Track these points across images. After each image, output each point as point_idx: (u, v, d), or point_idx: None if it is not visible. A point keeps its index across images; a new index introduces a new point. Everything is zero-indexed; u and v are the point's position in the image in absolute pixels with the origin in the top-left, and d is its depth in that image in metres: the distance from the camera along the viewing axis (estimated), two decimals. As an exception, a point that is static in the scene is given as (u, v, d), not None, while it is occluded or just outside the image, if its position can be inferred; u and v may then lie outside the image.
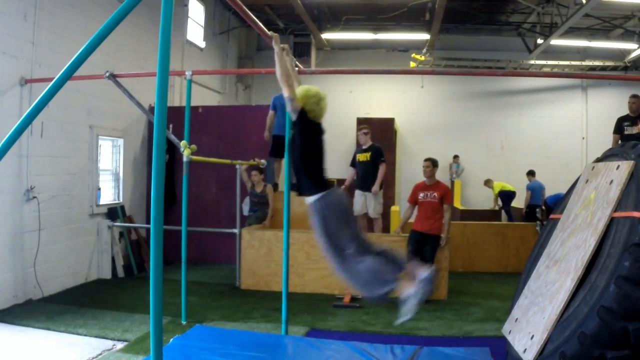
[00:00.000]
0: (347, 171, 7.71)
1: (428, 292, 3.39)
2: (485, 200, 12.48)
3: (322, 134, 3.88)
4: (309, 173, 3.68)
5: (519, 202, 11.71)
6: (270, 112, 7.81)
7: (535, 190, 10.77)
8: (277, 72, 3.75)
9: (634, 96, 6.84)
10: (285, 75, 3.71)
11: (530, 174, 11.21)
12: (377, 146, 7.33)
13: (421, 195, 6.39)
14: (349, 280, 3.57)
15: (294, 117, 3.73)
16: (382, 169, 7.15)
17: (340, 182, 7.97)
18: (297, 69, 4.64)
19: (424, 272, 3.41)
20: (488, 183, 12.34)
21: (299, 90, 3.82)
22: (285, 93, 3.69)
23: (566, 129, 12.83)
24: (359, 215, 7.42)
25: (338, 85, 13.05)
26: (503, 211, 11.97)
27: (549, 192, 10.33)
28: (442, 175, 12.28)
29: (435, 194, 6.31)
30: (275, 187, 7.76)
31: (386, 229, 8.20)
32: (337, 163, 8.51)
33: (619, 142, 6.66)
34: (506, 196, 11.91)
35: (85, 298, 6.01)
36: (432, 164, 6.47)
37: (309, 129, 3.75)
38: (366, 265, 3.45)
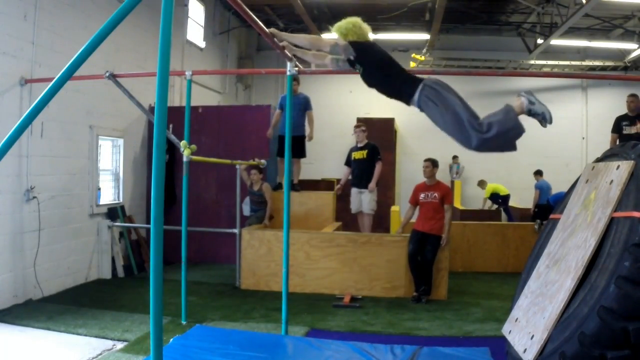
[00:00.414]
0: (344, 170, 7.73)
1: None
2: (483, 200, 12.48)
3: (382, 52, 3.67)
4: (399, 75, 3.54)
5: (518, 202, 11.71)
6: (277, 111, 7.83)
7: (543, 189, 10.77)
8: (307, 55, 3.64)
9: (632, 95, 6.85)
10: (312, 46, 3.65)
11: (538, 173, 11.19)
12: (373, 144, 7.36)
13: (422, 195, 6.40)
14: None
15: (353, 54, 3.54)
16: (378, 167, 7.21)
17: (338, 181, 7.98)
18: (296, 69, 4.63)
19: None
20: (481, 184, 12.35)
21: (334, 32, 3.65)
22: (329, 48, 3.60)
23: (566, 129, 12.82)
24: (355, 213, 7.46)
25: (338, 85, 13.06)
26: (502, 211, 11.97)
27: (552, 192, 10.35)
28: (442, 175, 12.31)
29: (436, 194, 6.32)
30: (279, 186, 7.75)
31: (386, 229, 8.22)
32: (337, 162, 8.53)
33: (617, 141, 6.67)
34: (499, 199, 11.92)
35: (85, 298, 6.01)
36: (432, 164, 6.49)
37: (370, 49, 3.60)
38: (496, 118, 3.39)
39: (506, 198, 11.94)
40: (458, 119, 3.29)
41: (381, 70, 3.55)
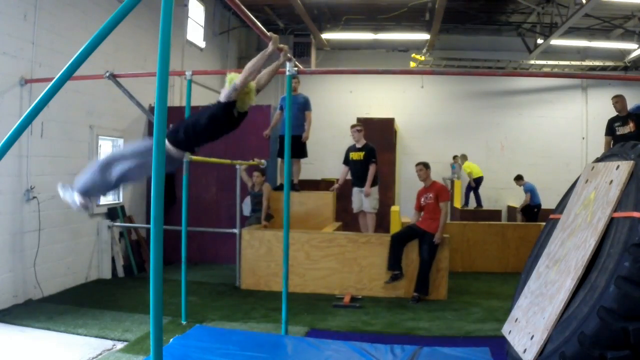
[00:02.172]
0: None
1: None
2: (485, 200, 12.48)
3: (231, 129, 3.82)
4: (185, 137, 3.63)
5: (518, 202, 11.71)
6: (277, 112, 7.84)
7: (533, 191, 10.94)
8: (249, 63, 3.69)
9: (616, 96, 6.89)
10: (254, 71, 3.65)
11: (520, 178, 11.33)
12: (371, 146, 7.36)
13: (422, 199, 6.54)
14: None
15: (223, 100, 3.63)
16: (372, 169, 7.22)
17: (337, 181, 7.97)
18: (296, 69, 4.62)
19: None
20: (457, 159, 12.41)
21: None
22: (237, 80, 3.60)
23: (566, 129, 12.83)
24: (357, 212, 7.46)
25: (338, 85, 13.05)
26: (472, 193, 12.03)
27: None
28: (444, 175, 12.33)
29: (431, 194, 6.39)
30: (280, 187, 7.75)
31: (386, 229, 8.21)
32: (337, 162, 8.51)
33: (611, 143, 6.68)
34: (473, 180, 12.03)
35: (85, 298, 6.01)
36: (424, 166, 6.56)
37: (224, 116, 3.69)
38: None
39: (479, 180, 12.02)
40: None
41: (200, 128, 3.66)
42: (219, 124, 3.72)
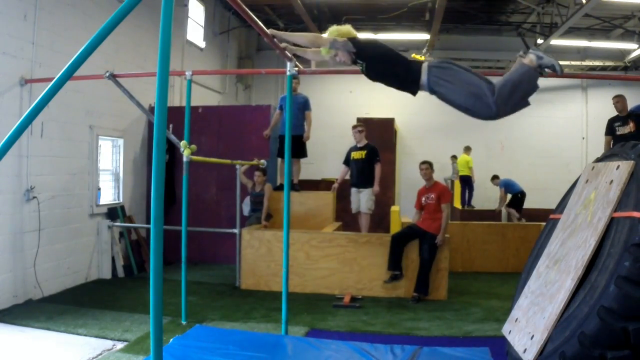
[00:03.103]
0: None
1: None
2: (485, 200, 12.48)
3: (378, 42, 3.71)
4: (402, 63, 3.49)
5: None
6: (277, 112, 7.85)
7: (507, 184, 11.25)
8: (307, 53, 3.68)
9: (617, 96, 6.90)
10: (311, 44, 3.62)
11: (495, 177, 11.60)
12: (372, 146, 7.38)
13: (423, 199, 6.54)
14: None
15: (353, 49, 3.51)
16: (378, 169, 7.25)
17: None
18: (296, 69, 4.63)
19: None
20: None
21: (330, 34, 3.63)
22: (328, 45, 3.53)
23: (566, 129, 12.83)
24: (356, 212, 7.47)
25: (338, 85, 13.06)
26: (466, 191, 12.15)
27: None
28: (444, 175, 12.33)
29: (433, 195, 6.40)
30: (280, 187, 7.75)
31: (386, 229, 8.22)
32: (337, 162, 8.53)
33: (611, 143, 6.69)
34: (464, 180, 12.06)
35: (85, 298, 6.01)
36: (429, 166, 6.56)
37: (369, 43, 3.63)
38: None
39: (465, 179, 12.15)
40: (474, 89, 3.25)
41: (382, 62, 3.51)
42: (373, 43, 3.63)
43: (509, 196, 11.17)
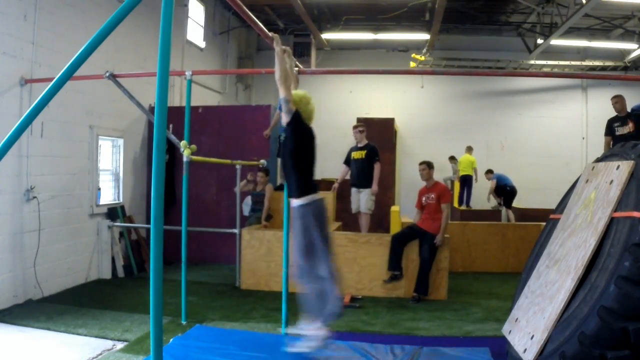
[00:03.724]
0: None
1: (311, 347, 3.72)
2: (485, 200, 12.48)
3: (314, 139, 3.96)
4: (299, 175, 3.76)
5: (517, 203, 11.71)
6: (277, 112, 7.84)
7: (499, 177, 11.49)
8: (276, 72, 3.79)
9: (615, 97, 6.89)
10: (284, 76, 3.74)
11: (489, 172, 11.81)
12: (372, 145, 7.38)
13: (424, 199, 6.54)
14: (301, 292, 3.83)
15: (287, 118, 3.77)
16: (377, 168, 7.25)
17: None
18: (297, 69, 4.64)
19: (320, 332, 3.71)
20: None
21: (294, 95, 3.88)
22: (281, 94, 3.73)
23: (566, 129, 12.83)
24: (356, 212, 7.47)
25: (338, 85, 13.06)
26: (465, 194, 12.23)
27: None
28: (445, 175, 12.33)
29: (433, 195, 6.40)
30: (280, 187, 7.75)
31: (386, 229, 8.21)
32: (337, 162, 8.52)
33: (611, 143, 6.69)
34: (465, 180, 12.12)
35: (85, 298, 6.01)
36: (427, 166, 6.56)
37: (301, 131, 3.82)
38: (312, 290, 3.73)
39: (467, 178, 12.20)
40: (296, 251, 3.81)
41: (296, 155, 3.77)
42: (303, 135, 3.84)
43: (495, 182, 11.47)
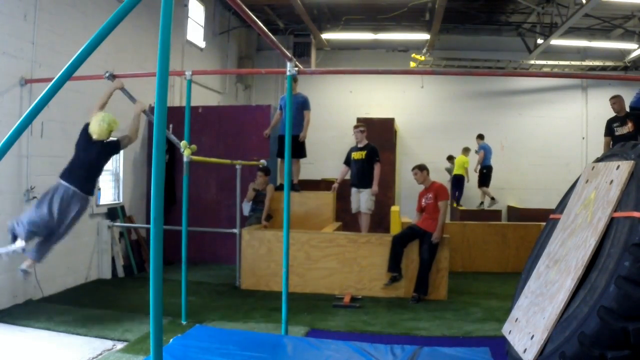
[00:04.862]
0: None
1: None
2: (474, 199, 12.48)
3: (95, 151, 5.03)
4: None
5: (518, 202, 11.72)
6: (277, 112, 7.87)
7: (487, 150, 11.46)
8: (98, 101, 5.10)
9: (614, 97, 6.90)
10: (101, 106, 5.13)
11: (480, 137, 11.81)
12: (372, 146, 7.39)
13: (423, 200, 6.56)
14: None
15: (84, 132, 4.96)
16: (377, 169, 7.26)
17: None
18: (296, 69, 4.63)
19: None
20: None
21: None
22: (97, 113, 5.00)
23: (566, 129, 12.83)
24: (356, 212, 7.47)
25: (338, 85, 13.06)
26: (457, 194, 12.22)
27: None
28: (445, 174, 12.33)
29: (431, 194, 6.41)
30: (280, 187, 7.75)
31: (386, 229, 8.22)
32: (337, 162, 8.54)
33: (610, 143, 6.70)
34: (457, 180, 12.10)
35: (85, 298, 6.01)
36: (419, 169, 6.56)
37: (90, 140, 5.05)
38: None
39: (458, 178, 12.19)
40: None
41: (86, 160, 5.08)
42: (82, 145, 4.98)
43: (482, 154, 11.50)
